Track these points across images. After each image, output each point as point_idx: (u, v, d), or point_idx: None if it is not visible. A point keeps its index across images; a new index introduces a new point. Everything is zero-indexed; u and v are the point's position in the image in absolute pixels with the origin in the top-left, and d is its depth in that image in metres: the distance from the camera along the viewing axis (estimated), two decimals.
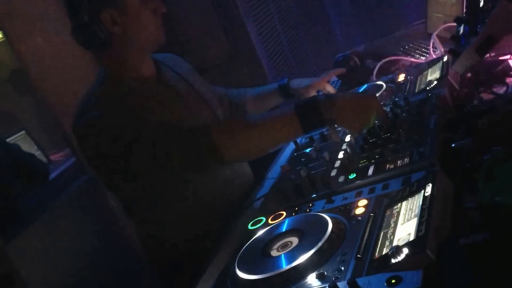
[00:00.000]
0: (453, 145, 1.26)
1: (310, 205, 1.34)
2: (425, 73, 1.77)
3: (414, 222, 0.98)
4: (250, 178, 1.89)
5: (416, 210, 1.02)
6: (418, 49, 2.30)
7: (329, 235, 1.10)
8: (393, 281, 0.88)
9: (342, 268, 1.00)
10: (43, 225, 1.67)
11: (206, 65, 2.79)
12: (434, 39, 1.85)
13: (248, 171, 1.91)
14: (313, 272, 1.03)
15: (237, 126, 1.47)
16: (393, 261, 0.92)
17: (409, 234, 0.96)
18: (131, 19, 1.54)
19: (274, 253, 1.17)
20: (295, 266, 1.05)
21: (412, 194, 1.09)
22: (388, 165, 1.31)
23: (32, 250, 1.58)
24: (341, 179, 1.37)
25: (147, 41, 1.60)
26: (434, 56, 1.98)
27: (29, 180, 2.09)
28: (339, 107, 1.38)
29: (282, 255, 1.12)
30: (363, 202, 1.20)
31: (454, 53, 1.48)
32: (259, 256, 1.18)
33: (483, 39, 1.31)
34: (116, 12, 1.52)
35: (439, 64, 1.71)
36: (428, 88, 1.63)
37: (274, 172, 1.80)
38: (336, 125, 1.43)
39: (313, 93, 1.90)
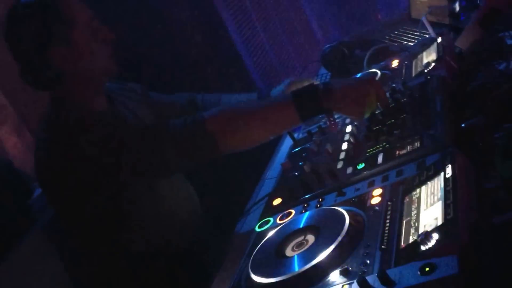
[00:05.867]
0: (463, 125, 1.23)
1: (320, 200, 1.28)
2: (419, 56, 1.73)
3: (439, 206, 0.93)
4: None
5: (439, 193, 0.96)
6: (404, 35, 2.27)
7: (348, 229, 1.04)
8: (427, 269, 0.82)
9: (368, 262, 0.94)
10: (34, 244, 1.59)
11: (185, 65, 2.74)
12: (424, 21, 1.81)
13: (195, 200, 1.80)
14: (336, 269, 0.97)
15: (232, 114, 1.41)
16: (423, 248, 0.86)
17: (436, 218, 0.91)
18: (83, 53, 1.45)
19: (289, 253, 1.10)
20: (316, 264, 0.99)
21: (430, 177, 1.04)
22: (398, 151, 1.26)
23: (27, 270, 1.50)
24: (349, 170, 1.32)
25: (101, 73, 1.51)
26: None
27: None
28: (337, 94, 1.33)
29: (299, 254, 1.06)
30: (377, 191, 1.15)
31: (455, 29, 1.43)
32: (273, 258, 1.11)
33: (486, 12, 1.27)
34: (65, 49, 1.42)
35: (434, 46, 1.67)
36: (426, 70, 1.58)
37: (273, 171, 1.74)
38: (335, 113, 1.38)
39: None
